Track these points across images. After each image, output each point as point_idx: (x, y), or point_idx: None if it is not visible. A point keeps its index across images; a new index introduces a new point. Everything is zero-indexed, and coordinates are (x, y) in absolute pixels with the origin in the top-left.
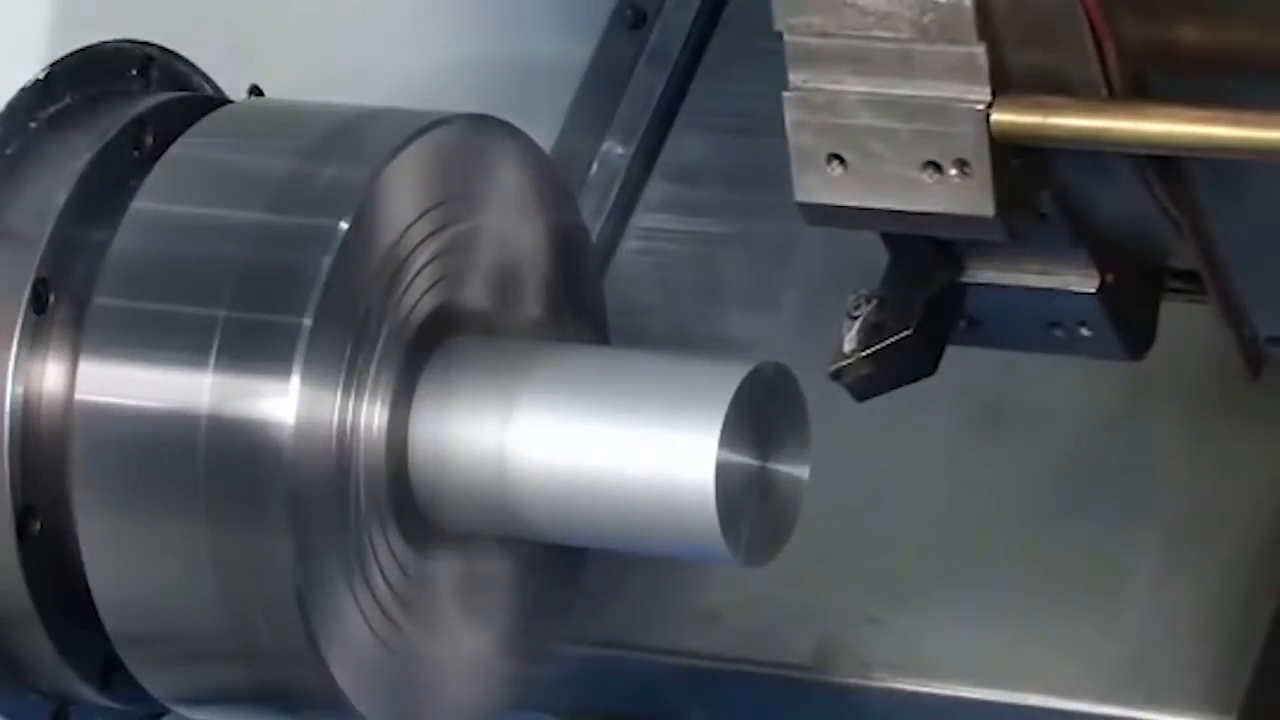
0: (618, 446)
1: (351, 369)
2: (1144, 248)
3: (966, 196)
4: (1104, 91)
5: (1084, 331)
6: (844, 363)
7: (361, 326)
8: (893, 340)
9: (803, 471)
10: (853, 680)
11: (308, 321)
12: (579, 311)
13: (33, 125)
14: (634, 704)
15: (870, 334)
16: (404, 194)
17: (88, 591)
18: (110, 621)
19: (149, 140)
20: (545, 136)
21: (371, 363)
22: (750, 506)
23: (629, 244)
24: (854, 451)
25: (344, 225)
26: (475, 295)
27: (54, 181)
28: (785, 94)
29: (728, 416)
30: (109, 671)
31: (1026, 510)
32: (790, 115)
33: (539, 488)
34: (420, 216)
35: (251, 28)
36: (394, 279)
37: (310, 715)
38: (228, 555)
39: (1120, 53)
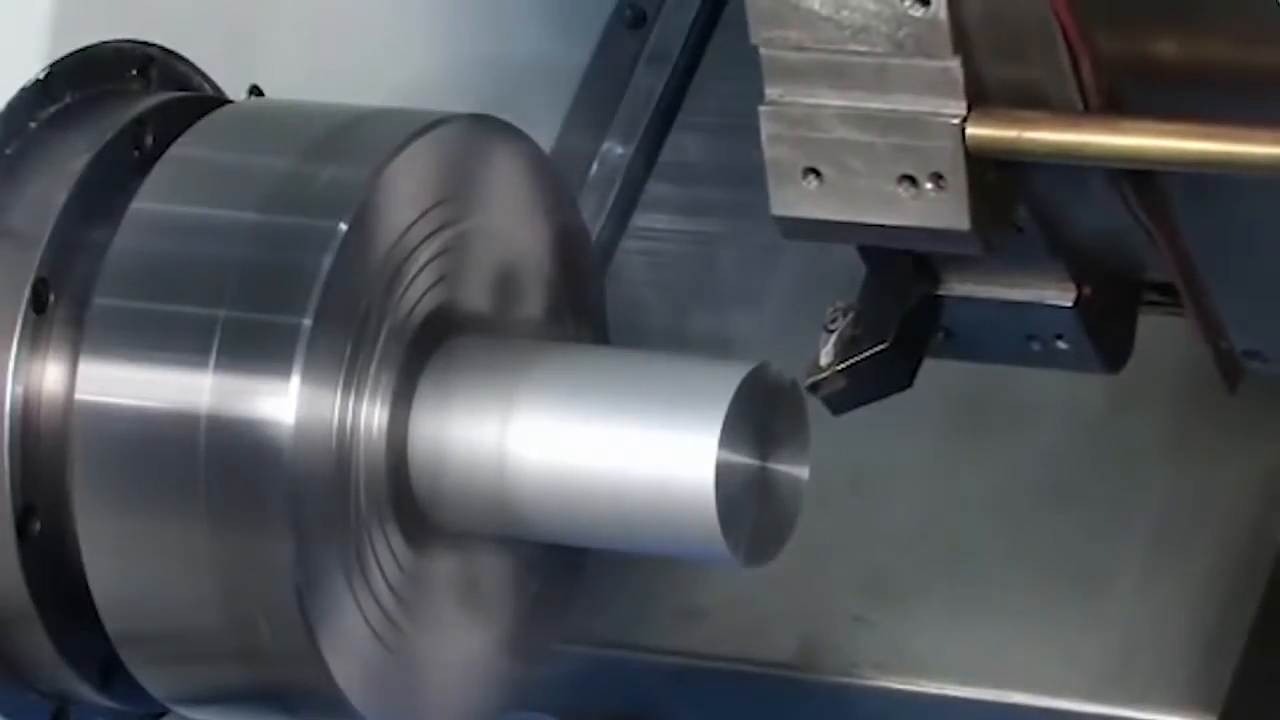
0: (618, 446)
1: (351, 369)
2: (1121, 261)
3: (942, 210)
4: (1079, 106)
5: (1061, 344)
6: (820, 376)
7: (361, 326)
8: (869, 354)
9: (802, 471)
10: (839, 679)
11: (308, 321)
12: (579, 311)
13: (33, 125)
14: (618, 703)
15: (846, 347)
16: (404, 194)
17: (88, 591)
18: (110, 621)
19: (149, 140)
20: (545, 136)
21: (371, 363)
22: (750, 506)
23: (629, 244)
24: (840, 450)
25: (344, 225)
26: (475, 295)
27: (54, 181)
28: (761, 107)
29: (728, 416)
30: (109, 671)
31: (1012, 509)
32: (766, 129)
33: (539, 488)
34: (420, 216)
35: (251, 28)
36: (394, 279)
37: (310, 715)
38: (228, 555)
39: (1095, 67)
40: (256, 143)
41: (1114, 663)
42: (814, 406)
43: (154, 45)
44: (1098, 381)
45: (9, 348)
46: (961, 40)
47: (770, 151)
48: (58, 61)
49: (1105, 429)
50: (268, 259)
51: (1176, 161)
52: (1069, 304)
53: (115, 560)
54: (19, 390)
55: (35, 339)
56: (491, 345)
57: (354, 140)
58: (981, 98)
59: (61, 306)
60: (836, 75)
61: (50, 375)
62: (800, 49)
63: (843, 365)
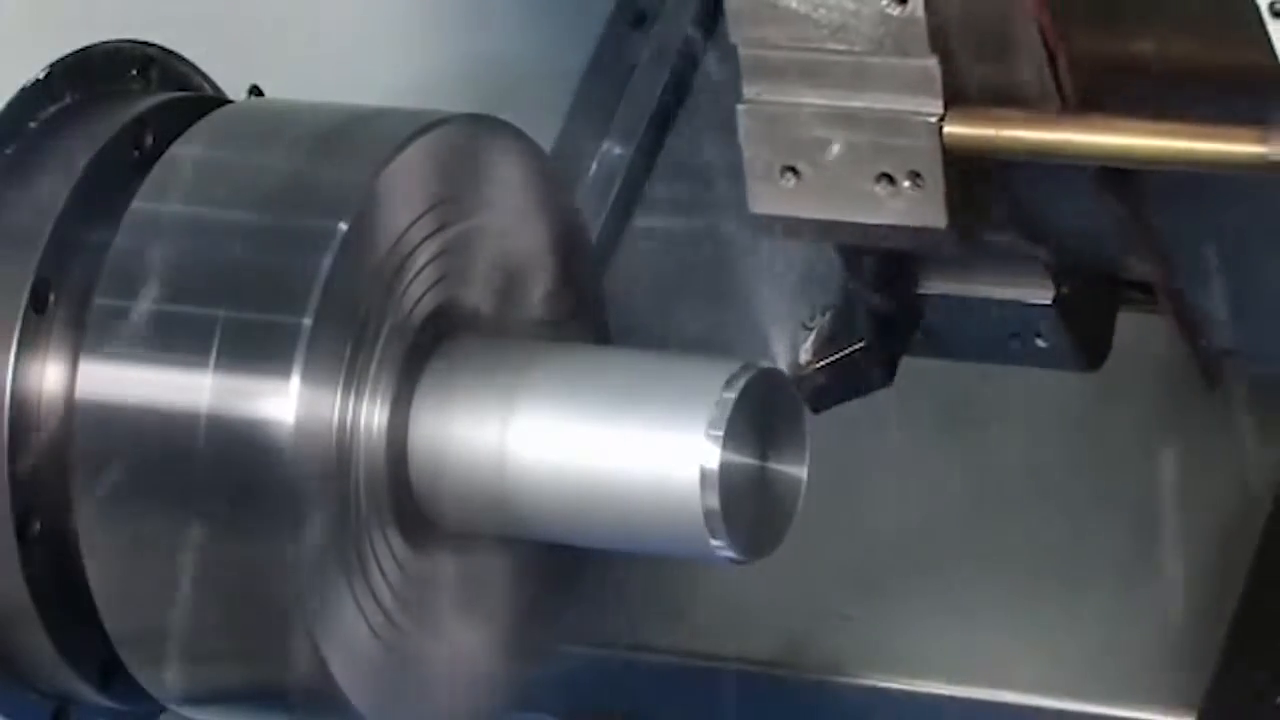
0: (618, 446)
1: (351, 369)
2: (1100, 259)
3: (920, 209)
4: (1057, 104)
5: (1040, 342)
6: (800, 374)
7: (361, 326)
8: (847, 352)
9: (801, 471)
10: (824, 677)
11: (308, 322)
12: (579, 311)
13: (33, 125)
14: (602, 701)
15: (825, 345)
16: (404, 194)
17: (88, 591)
18: (110, 621)
19: (149, 140)
20: (545, 136)
21: (371, 363)
22: (749, 506)
23: (629, 244)
24: (824, 448)
25: (344, 225)
26: (475, 295)
27: (54, 181)
28: (739, 106)
29: (728, 417)
30: (109, 671)
31: (996, 508)
32: (744, 127)
33: (539, 487)
34: (420, 216)
35: (251, 28)
36: (394, 279)
37: (310, 715)
38: (227, 555)
39: (1073, 66)
40: (256, 143)
41: (1096, 660)
42: None
43: (154, 45)
44: (1077, 379)
45: (9, 348)
46: (939, 39)
47: (748, 149)
48: (58, 61)
49: (1086, 426)
50: (268, 259)
51: (1153, 160)
52: (1048, 302)
53: (115, 560)
54: (19, 390)
55: (35, 339)
56: (491, 345)
57: (354, 140)
58: (959, 97)
59: (61, 306)
60: (814, 74)
61: (50, 375)
62: (778, 48)
63: (822, 363)
